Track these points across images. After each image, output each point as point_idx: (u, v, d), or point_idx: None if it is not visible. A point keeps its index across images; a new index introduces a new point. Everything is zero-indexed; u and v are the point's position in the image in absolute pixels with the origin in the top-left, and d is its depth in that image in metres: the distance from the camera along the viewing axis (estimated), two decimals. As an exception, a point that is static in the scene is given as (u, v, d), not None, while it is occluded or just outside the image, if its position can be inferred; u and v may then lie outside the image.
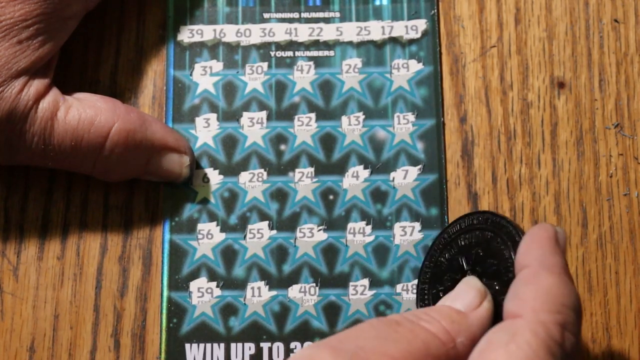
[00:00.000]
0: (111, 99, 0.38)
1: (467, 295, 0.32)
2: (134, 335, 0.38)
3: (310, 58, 0.41)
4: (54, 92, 0.37)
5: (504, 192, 0.40)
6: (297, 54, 0.41)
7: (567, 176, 0.40)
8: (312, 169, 0.40)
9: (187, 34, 0.41)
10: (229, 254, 0.39)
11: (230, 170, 0.40)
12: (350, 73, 0.41)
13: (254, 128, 0.40)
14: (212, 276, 0.38)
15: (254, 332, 0.38)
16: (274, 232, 0.39)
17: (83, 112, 0.36)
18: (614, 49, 0.41)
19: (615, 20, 0.42)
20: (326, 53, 0.41)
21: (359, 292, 0.38)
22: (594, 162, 0.40)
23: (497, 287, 0.32)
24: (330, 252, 0.38)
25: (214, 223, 0.39)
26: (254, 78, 0.40)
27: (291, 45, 0.41)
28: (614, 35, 0.41)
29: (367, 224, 0.39)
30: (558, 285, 0.30)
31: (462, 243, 0.35)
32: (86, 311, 0.38)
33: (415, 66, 0.41)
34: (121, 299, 0.38)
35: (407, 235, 0.39)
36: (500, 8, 0.42)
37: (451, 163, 0.40)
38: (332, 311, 0.38)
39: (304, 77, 0.40)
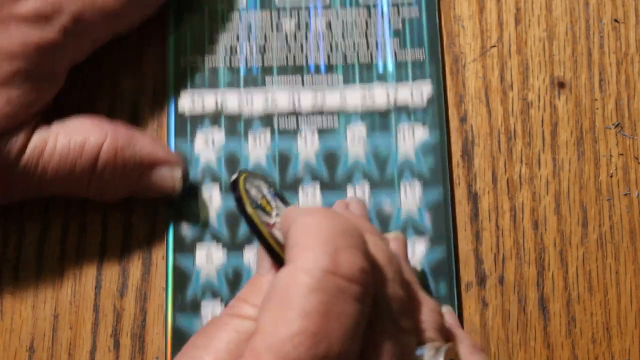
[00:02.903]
0: (97, 117, 0.37)
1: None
2: (134, 335, 0.38)
3: (314, 128, 0.39)
4: (40, 131, 0.36)
5: (504, 192, 0.40)
6: (301, 123, 0.40)
7: (567, 176, 0.40)
8: None
9: (188, 101, 0.40)
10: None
11: (236, 247, 0.38)
12: (355, 142, 0.39)
13: None
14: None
15: None
16: None
17: (72, 139, 0.36)
18: (614, 49, 0.41)
19: (616, 20, 0.42)
20: (330, 122, 0.40)
21: None
22: (594, 162, 0.40)
23: None
24: None
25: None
26: (257, 149, 0.39)
27: (294, 114, 0.40)
28: (614, 35, 0.41)
29: None
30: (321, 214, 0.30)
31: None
32: (86, 311, 0.38)
33: (421, 133, 0.39)
34: (121, 299, 0.38)
35: None
36: (501, 8, 0.42)
37: (451, 163, 0.40)
38: None
39: (307, 148, 0.39)
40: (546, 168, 0.40)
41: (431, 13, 0.41)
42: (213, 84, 0.40)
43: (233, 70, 0.40)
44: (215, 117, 0.40)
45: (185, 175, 0.38)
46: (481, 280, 0.39)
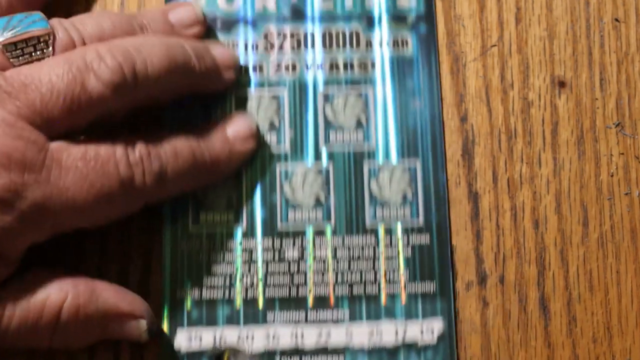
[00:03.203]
0: (55, 271, 0.35)
1: None
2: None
3: None
4: None
5: (505, 191, 0.40)
6: None
7: (567, 175, 0.40)
8: None
9: (185, 338, 0.38)
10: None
11: None
12: None
13: None
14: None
15: None
16: None
17: (31, 302, 0.33)
18: (615, 48, 0.41)
19: (616, 20, 0.42)
20: None
21: None
22: (594, 162, 0.40)
23: None
24: None
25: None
26: None
27: (297, 352, 0.38)
28: (614, 35, 0.41)
29: None
30: None
31: None
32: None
33: None
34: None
35: None
36: (501, 7, 0.42)
37: (451, 162, 0.40)
38: None
39: None
40: (547, 167, 0.40)
41: (442, 241, 0.39)
42: (211, 320, 0.38)
43: (232, 303, 0.38)
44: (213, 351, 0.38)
45: (152, 324, 0.36)
46: (482, 280, 0.39)
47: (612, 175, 0.40)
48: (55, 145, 0.33)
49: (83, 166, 0.33)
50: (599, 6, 0.42)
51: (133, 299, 0.36)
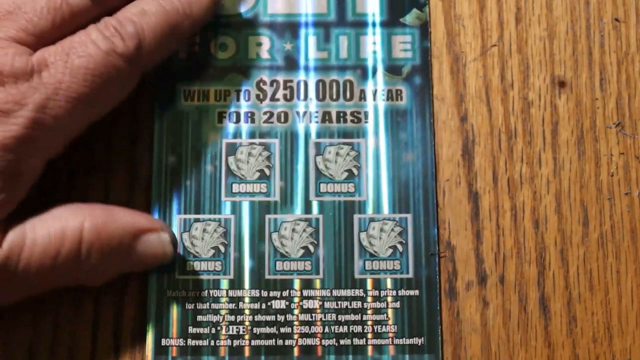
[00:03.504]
0: (69, 203, 0.36)
1: None
2: (134, 335, 0.38)
3: None
4: (15, 227, 0.34)
5: (505, 191, 0.40)
6: None
7: (568, 175, 0.40)
8: None
9: None
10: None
11: None
12: None
13: None
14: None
15: None
16: None
17: (51, 228, 0.34)
18: (615, 48, 0.41)
19: (616, 19, 0.42)
20: None
21: None
22: (594, 161, 0.40)
23: None
24: None
25: None
26: None
27: None
28: (614, 34, 0.41)
29: None
30: None
31: None
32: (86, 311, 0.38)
33: None
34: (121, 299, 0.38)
35: None
36: (501, 7, 0.42)
37: (452, 162, 0.40)
38: None
39: None
40: (547, 167, 0.40)
41: (432, 295, 0.38)
42: None
43: (217, 352, 0.37)
44: None
45: (174, 239, 0.37)
46: (482, 280, 0.39)
47: (612, 175, 0.40)
48: (38, 52, 0.35)
49: (67, 57, 0.34)
50: (599, 6, 0.42)
51: (149, 216, 0.37)
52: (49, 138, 0.35)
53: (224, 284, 0.38)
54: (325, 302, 0.38)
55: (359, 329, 0.38)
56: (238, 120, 0.40)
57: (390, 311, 0.38)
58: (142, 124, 0.40)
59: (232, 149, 0.39)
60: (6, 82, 0.34)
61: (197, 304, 0.38)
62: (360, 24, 0.41)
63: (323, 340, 0.38)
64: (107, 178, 0.39)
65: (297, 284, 0.38)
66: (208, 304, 0.38)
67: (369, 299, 0.38)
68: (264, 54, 0.41)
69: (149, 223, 0.36)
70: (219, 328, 0.38)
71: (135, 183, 0.39)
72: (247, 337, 0.38)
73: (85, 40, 0.35)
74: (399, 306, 0.38)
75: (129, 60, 0.36)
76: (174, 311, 0.38)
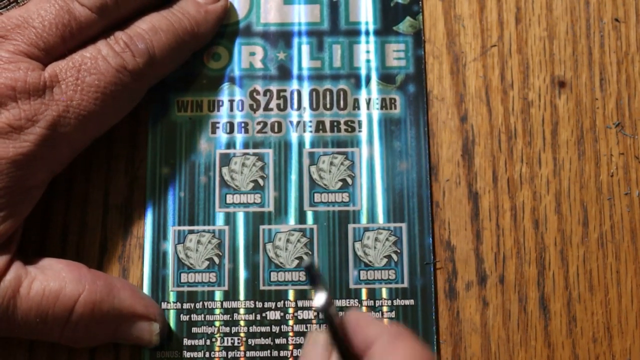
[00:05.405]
0: (77, 265, 0.36)
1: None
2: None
3: None
4: (16, 267, 0.34)
5: (505, 191, 0.40)
6: None
7: (567, 175, 0.40)
8: None
9: None
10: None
11: None
12: None
13: None
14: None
15: None
16: None
17: (47, 286, 0.34)
18: (615, 48, 0.41)
19: (616, 20, 0.42)
20: None
21: None
22: (594, 162, 0.40)
23: None
24: None
25: None
26: None
27: None
28: (614, 35, 0.41)
29: None
30: (414, 346, 0.29)
31: None
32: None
33: None
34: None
35: None
36: (501, 7, 0.42)
37: (452, 162, 0.40)
38: None
39: None
40: (547, 167, 0.40)
41: (427, 305, 0.38)
42: None
43: None
44: None
45: (164, 329, 0.37)
46: (482, 280, 0.39)
47: (612, 175, 0.40)
48: (49, 67, 0.35)
49: (78, 73, 0.35)
50: (599, 6, 0.42)
51: (149, 302, 0.37)
52: (57, 154, 0.35)
53: (219, 295, 0.38)
54: (320, 313, 0.38)
55: None
56: (232, 131, 0.40)
57: (385, 321, 0.38)
58: (141, 125, 0.40)
59: (226, 160, 0.39)
60: (19, 98, 0.34)
61: (192, 316, 0.38)
62: (353, 33, 0.41)
63: None
64: (107, 178, 0.39)
65: (291, 295, 0.38)
66: (203, 315, 0.38)
67: (364, 309, 0.38)
68: (257, 64, 0.40)
69: (144, 310, 0.36)
70: (213, 340, 0.38)
71: (135, 184, 0.39)
72: (242, 348, 0.38)
73: (96, 55, 0.35)
74: (394, 316, 0.38)
75: (139, 76, 0.36)
76: (169, 323, 0.38)
